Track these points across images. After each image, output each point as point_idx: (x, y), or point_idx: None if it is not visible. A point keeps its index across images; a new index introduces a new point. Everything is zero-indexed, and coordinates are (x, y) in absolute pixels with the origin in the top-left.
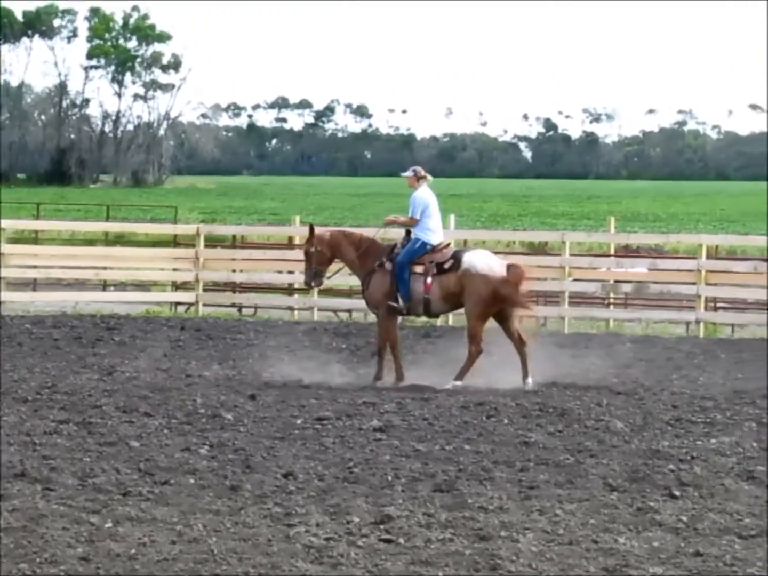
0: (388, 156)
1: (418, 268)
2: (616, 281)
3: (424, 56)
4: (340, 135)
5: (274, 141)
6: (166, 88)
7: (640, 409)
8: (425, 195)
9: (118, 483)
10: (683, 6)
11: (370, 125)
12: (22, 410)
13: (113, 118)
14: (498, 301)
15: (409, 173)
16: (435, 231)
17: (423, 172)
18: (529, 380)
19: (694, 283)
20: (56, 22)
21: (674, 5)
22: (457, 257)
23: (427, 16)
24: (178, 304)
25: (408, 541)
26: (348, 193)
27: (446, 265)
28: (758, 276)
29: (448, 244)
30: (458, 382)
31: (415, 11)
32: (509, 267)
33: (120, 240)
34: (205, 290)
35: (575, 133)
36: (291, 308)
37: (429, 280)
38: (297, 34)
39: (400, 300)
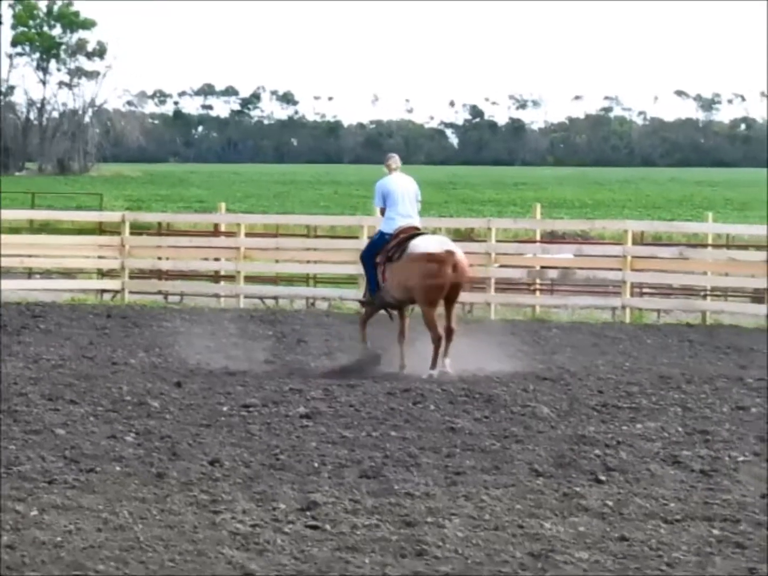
0: (314, 143)
1: (379, 259)
2: (542, 268)
3: (349, 43)
4: (266, 122)
5: (200, 128)
6: (92, 75)
7: (566, 395)
8: (386, 183)
9: (43, 471)
10: None
11: (296, 112)
12: None
13: (38, 105)
14: (438, 285)
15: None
16: (394, 219)
17: (389, 161)
18: (447, 360)
19: (619, 269)
20: None
21: None
22: (403, 244)
23: (352, 3)
24: (103, 291)
25: (334, 527)
26: (274, 181)
27: (396, 254)
28: (683, 262)
29: (409, 229)
30: (434, 371)
31: None
32: (447, 252)
33: (45, 228)
34: (131, 278)
35: (501, 120)
36: (217, 295)
37: (384, 270)
38: (223, 21)
39: (368, 294)
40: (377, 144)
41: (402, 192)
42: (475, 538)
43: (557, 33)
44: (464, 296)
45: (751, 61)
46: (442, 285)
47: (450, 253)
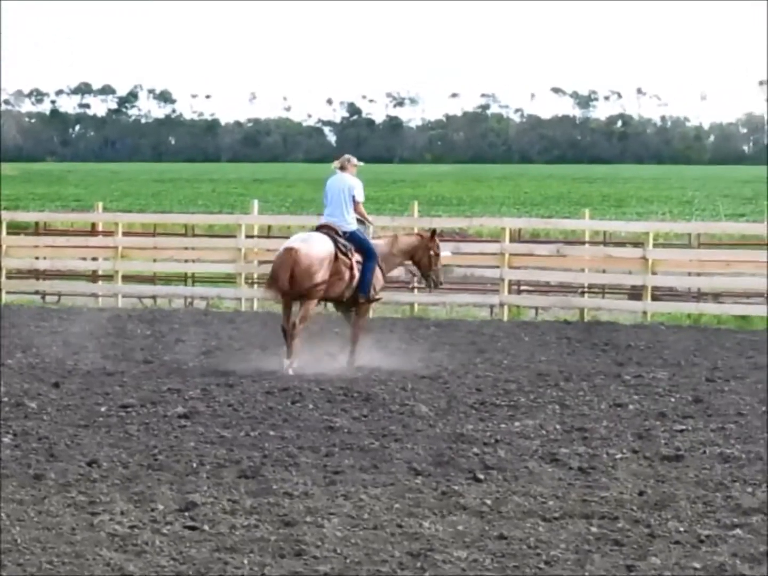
0: (192, 141)
1: None
2: None
3: (226, 41)
4: (143, 121)
5: (77, 127)
6: None
7: (444, 393)
8: (327, 183)
9: None
10: None
11: (173, 111)
12: None
13: None
14: (271, 279)
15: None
16: (323, 218)
17: (337, 162)
18: (286, 361)
19: (497, 267)
20: None
21: None
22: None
23: (228, 1)
24: None
25: (213, 527)
26: (152, 179)
27: None
28: (561, 258)
29: (320, 227)
30: (285, 362)
31: None
32: (286, 249)
33: None
34: (8, 277)
35: (379, 117)
36: (95, 295)
37: None
38: (99, 20)
39: None
40: (255, 142)
41: (332, 192)
42: (354, 537)
43: (434, 30)
44: None
45: (626, 58)
46: (275, 279)
47: (288, 251)
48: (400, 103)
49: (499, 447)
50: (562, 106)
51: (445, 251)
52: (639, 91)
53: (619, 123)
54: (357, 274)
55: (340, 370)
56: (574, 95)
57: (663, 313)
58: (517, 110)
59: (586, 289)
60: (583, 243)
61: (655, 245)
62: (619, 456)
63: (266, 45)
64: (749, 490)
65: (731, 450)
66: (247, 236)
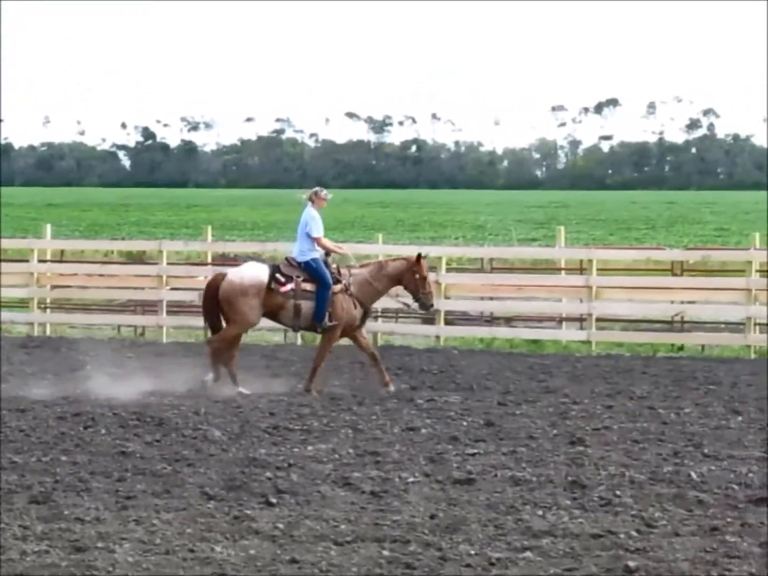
0: None
1: None
2: None
3: (19, 63)
4: None
5: None
6: None
7: (237, 418)
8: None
9: None
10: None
11: None
12: None
13: None
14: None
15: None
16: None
17: (306, 194)
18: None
19: None
20: None
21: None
22: None
23: (28, 19)
24: None
25: (3, 554)
26: None
27: None
28: None
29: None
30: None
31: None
32: (216, 274)
33: None
34: None
35: (174, 142)
36: None
37: None
38: None
39: None
40: (49, 166)
41: (299, 224)
42: (146, 562)
43: (227, 53)
44: (137, 319)
45: (419, 83)
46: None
47: (216, 276)
48: (194, 128)
49: (292, 471)
50: (357, 131)
51: None
52: (433, 116)
53: (414, 148)
54: (303, 303)
55: (134, 395)
56: (369, 120)
57: (456, 337)
58: (312, 135)
59: (379, 314)
60: None
61: (448, 270)
62: (411, 480)
63: (59, 68)
64: (540, 513)
65: (522, 473)
66: (40, 260)
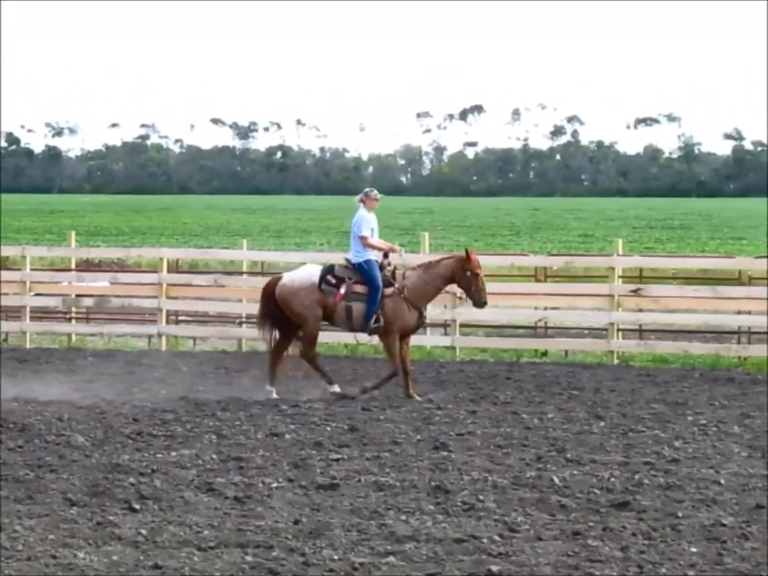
0: None
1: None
2: (78, 295)
3: None
4: None
5: None
6: None
7: (101, 423)
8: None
9: None
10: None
11: None
12: None
13: None
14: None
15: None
16: None
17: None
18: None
19: (155, 297)
20: None
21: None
22: None
23: None
24: None
25: None
26: None
27: None
28: (219, 289)
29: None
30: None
31: None
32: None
33: None
34: None
35: (38, 147)
36: None
37: None
38: None
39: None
40: None
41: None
42: (8, 569)
43: (90, 59)
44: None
45: (285, 89)
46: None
47: (270, 281)
48: (59, 133)
49: (156, 477)
50: (222, 137)
51: (103, 281)
52: (298, 122)
53: (279, 154)
54: (354, 305)
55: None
56: (234, 126)
57: (321, 343)
58: (177, 140)
59: (244, 320)
60: (242, 273)
61: None
62: (275, 485)
63: None
64: (403, 518)
65: (386, 478)
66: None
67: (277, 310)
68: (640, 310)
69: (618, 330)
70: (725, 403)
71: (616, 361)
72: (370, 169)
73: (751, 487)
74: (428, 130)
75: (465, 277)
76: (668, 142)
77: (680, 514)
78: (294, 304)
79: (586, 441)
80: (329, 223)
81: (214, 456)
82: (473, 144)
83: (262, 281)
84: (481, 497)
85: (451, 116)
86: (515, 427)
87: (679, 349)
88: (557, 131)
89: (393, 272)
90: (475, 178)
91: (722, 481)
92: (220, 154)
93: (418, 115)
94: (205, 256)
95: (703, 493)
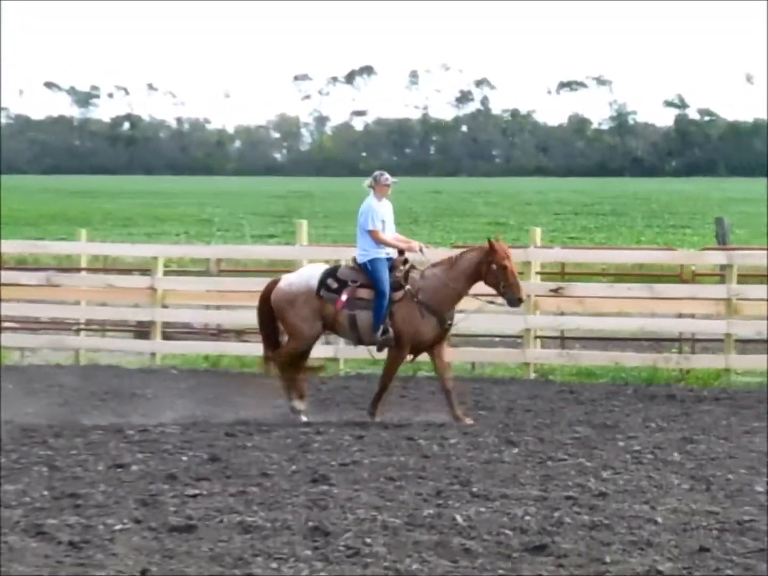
0: None
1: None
2: None
3: None
4: None
5: None
6: None
7: None
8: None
9: None
10: None
11: None
12: None
13: None
14: None
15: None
16: None
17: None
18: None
19: None
20: None
21: None
22: None
23: None
24: None
25: None
26: None
27: None
28: (52, 289)
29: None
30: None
31: None
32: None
33: None
34: None
35: None
36: None
37: None
38: None
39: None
40: None
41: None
42: None
43: None
44: None
45: (135, 48)
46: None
47: (269, 283)
48: None
49: None
50: (58, 105)
51: None
52: (150, 86)
53: (126, 125)
54: (358, 313)
55: None
56: (72, 91)
57: (176, 354)
58: (2, 109)
59: (83, 326)
60: (80, 270)
61: (167, 272)
62: (118, 527)
63: None
64: (274, 565)
65: (253, 518)
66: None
67: (273, 318)
68: (562, 314)
69: (535, 337)
70: (663, 425)
71: (532, 375)
72: (237, 143)
73: (693, 526)
74: (307, 97)
75: (491, 271)
76: (597, 111)
77: (608, 559)
78: (289, 314)
79: (496, 472)
80: (186, 209)
81: (45, 492)
82: (362, 113)
83: (103, 279)
84: (368, 540)
85: (335, 79)
86: (410, 455)
87: (608, 360)
88: (463, 98)
89: (407, 273)
90: (364, 154)
91: (659, 519)
92: (54, 126)
93: (296, 78)
94: (35, 250)
95: (636, 533)
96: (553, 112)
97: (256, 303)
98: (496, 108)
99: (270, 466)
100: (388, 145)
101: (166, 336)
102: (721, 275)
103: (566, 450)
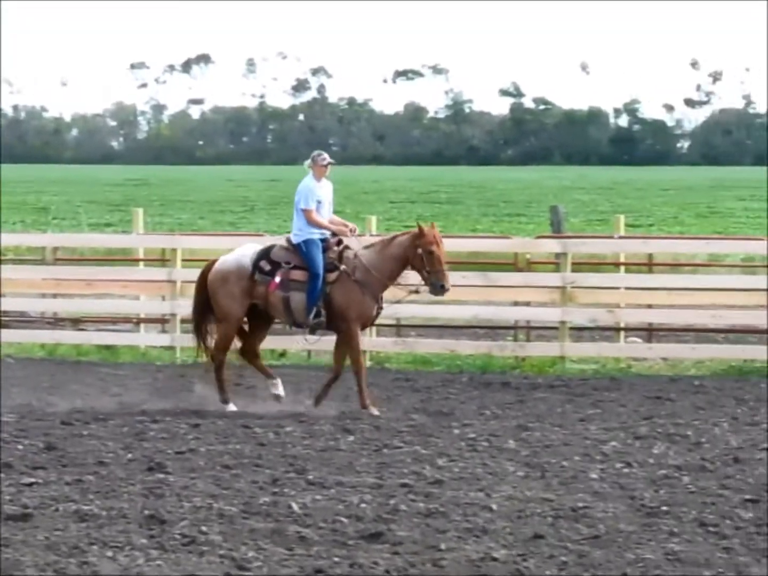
0: None
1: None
2: None
3: None
4: None
5: None
6: None
7: None
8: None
9: None
10: None
11: None
12: None
13: None
14: None
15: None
16: None
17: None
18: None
19: None
20: None
21: None
22: None
23: None
24: None
25: None
26: None
27: None
28: None
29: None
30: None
31: None
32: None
33: None
34: None
35: None
36: None
37: None
38: None
39: None
40: None
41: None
42: None
43: None
44: None
45: None
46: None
47: (207, 264)
48: None
49: None
50: None
51: None
52: None
53: None
54: (292, 295)
55: None
56: None
57: (12, 342)
58: None
59: None
60: None
61: (3, 261)
62: None
63: None
64: (109, 554)
65: (89, 506)
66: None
67: (207, 304)
68: (398, 302)
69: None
70: (498, 413)
71: (368, 363)
72: (75, 131)
73: (528, 513)
74: (144, 85)
75: (417, 256)
76: (433, 100)
77: (443, 546)
78: (220, 293)
79: (332, 460)
80: (22, 197)
81: None
82: (199, 101)
83: None
84: (204, 528)
85: (171, 68)
86: (246, 443)
87: (443, 348)
88: (300, 86)
89: (340, 253)
90: (201, 142)
91: (494, 507)
92: None
93: (132, 67)
94: None
95: (471, 521)
96: (389, 101)
97: (92, 291)
98: (333, 96)
99: (106, 455)
100: (225, 133)
101: (2, 324)
102: (555, 263)
103: (402, 437)
